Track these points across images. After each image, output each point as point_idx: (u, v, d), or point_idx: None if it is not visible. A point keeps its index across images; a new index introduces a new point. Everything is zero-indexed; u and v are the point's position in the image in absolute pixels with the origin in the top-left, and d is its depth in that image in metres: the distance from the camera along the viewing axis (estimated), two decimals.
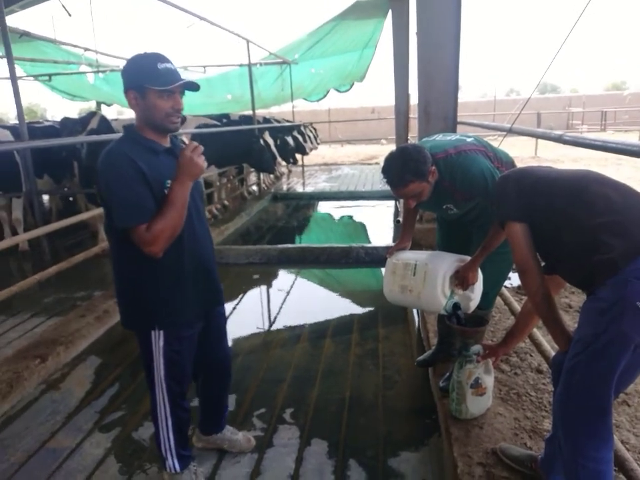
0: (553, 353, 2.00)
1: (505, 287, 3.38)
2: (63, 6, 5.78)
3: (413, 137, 9.13)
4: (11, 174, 5.26)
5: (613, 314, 1.34)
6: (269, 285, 4.82)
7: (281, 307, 4.14)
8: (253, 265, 5.27)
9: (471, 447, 1.98)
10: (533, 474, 1.80)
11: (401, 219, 2.65)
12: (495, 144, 2.39)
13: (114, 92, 11.24)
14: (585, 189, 1.48)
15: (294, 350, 3.30)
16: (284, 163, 11.31)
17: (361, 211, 8.11)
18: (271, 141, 7.85)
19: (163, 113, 1.65)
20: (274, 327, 3.76)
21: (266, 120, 10.21)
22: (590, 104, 22.74)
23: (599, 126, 20.83)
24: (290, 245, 5.63)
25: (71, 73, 11.07)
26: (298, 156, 10.34)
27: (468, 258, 2.22)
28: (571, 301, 3.55)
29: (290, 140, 9.41)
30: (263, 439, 2.35)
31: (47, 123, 7.88)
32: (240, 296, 4.41)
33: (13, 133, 5.77)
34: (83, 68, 11.10)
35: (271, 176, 10.43)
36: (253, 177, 9.90)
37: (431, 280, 2.14)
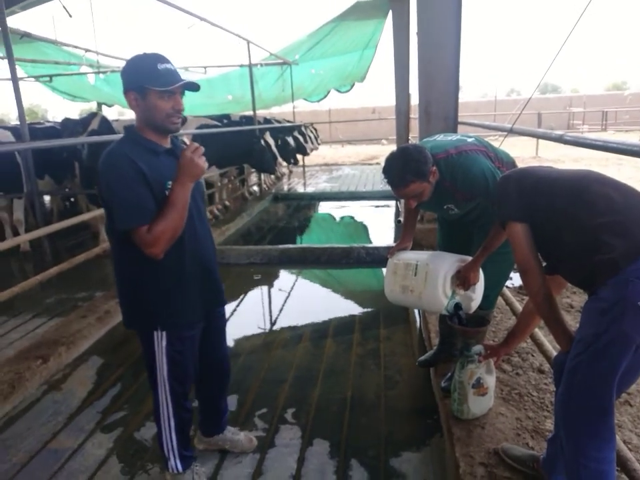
0: (554, 353, 2.00)
1: (507, 287, 3.38)
2: (64, 7, 5.79)
3: (413, 137, 9.12)
4: (12, 175, 5.27)
5: (614, 314, 1.34)
6: (270, 285, 4.82)
7: (282, 307, 4.14)
8: (254, 265, 5.28)
9: (473, 447, 1.98)
10: (535, 474, 1.80)
11: (401, 219, 2.65)
12: (495, 144, 2.39)
13: (115, 93, 11.25)
14: (586, 189, 1.48)
15: (295, 350, 3.30)
16: (285, 164, 11.32)
17: (362, 211, 8.11)
18: (271, 142, 7.86)
19: (164, 113, 1.65)
20: (275, 327, 3.76)
21: (266, 120, 10.22)
22: (591, 104, 22.73)
23: (599, 126, 20.82)
24: (291, 246, 5.63)
25: (72, 74, 11.09)
26: (299, 156, 10.35)
27: (469, 258, 2.22)
28: (572, 300, 3.55)
29: (291, 140, 9.42)
30: (265, 439, 2.35)
31: (47, 124, 7.89)
32: (241, 296, 4.42)
33: (14, 133, 5.77)
34: (84, 69, 11.11)
35: (272, 176, 10.43)
36: (253, 178, 9.91)
37: (432, 280, 2.14)
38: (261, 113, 11.15)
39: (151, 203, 1.61)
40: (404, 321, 3.70)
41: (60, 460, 2.27)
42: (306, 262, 5.23)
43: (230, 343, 3.36)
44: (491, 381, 2.17)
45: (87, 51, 9.61)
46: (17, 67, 5.02)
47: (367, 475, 2.12)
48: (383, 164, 2.11)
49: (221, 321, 2.09)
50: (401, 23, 8.33)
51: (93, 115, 6.13)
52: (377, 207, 8.33)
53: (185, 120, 6.52)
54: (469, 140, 2.19)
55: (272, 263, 5.29)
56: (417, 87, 4.40)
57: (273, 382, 2.88)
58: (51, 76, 10.77)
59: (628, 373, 1.38)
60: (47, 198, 7.46)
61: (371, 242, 6.21)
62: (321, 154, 15.91)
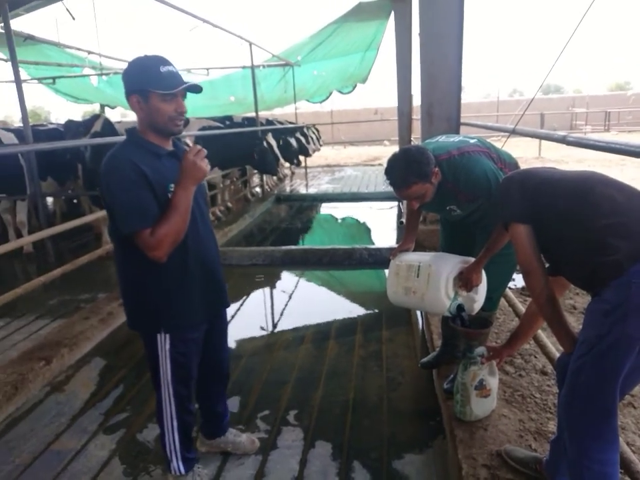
0: (557, 355, 1.99)
1: (509, 288, 3.38)
2: (67, 9, 5.81)
3: (416, 138, 9.11)
4: (16, 177, 5.28)
5: (617, 315, 1.33)
6: (273, 287, 4.82)
7: (284, 309, 4.14)
8: (257, 266, 5.28)
9: (476, 449, 1.98)
10: (538, 476, 1.80)
11: (404, 220, 2.65)
12: (498, 145, 2.38)
13: (117, 94, 11.29)
14: (590, 191, 1.48)
15: (298, 351, 3.30)
16: (287, 165, 11.33)
17: (364, 213, 8.11)
18: (273, 143, 7.87)
19: (167, 116, 1.65)
20: (277, 329, 3.76)
21: (269, 122, 10.23)
22: (593, 104, 22.67)
23: (602, 126, 20.75)
24: (293, 247, 5.63)
25: (75, 76, 11.13)
26: (301, 157, 10.35)
27: (472, 259, 2.21)
28: (575, 302, 3.54)
29: (293, 141, 9.43)
30: (267, 441, 2.35)
31: (50, 126, 7.92)
32: (243, 297, 4.42)
33: (18, 135, 5.80)
34: (87, 71, 11.15)
35: (274, 178, 10.44)
36: (256, 179, 9.92)
37: (435, 281, 2.14)
38: (263, 114, 11.16)
39: (153, 205, 1.61)
40: (406, 322, 3.70)
41: (63, 461, 2.28)
42: (308, 263, 5.23)
43: (232, 344, 3.36)
44: (493, 382, 2.16)
45: (89, 53, 9.66)
46: (20, 69, 5.04)
47: (369, 477, 2.12)
48: (385, 165, 2.11)
49: (224, 323, 2.09)
50: (403, 24, 8.34)
51: (95, 117, 6.16)
52: (380, 208, 8.33)
53: (187, 122, 6.53)
54: (472, 141, 2.19)
55: (274, 264, 5.30)
56: (419, 87, 4.40)
57: (275, 383, 2.88)
58: (54, 78, 10.82)
59: (631, 375, 1.37)
60: (49, 200, 7.48)
61: (373, 243, 6.20)
62: (323, 155, 15.91)
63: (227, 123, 8.26)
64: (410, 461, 2.21)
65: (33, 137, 4.89)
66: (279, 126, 9.98)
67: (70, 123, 6.60)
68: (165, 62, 1.64)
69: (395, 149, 2.92)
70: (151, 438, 2.41)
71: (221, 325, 2.06)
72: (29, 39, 7.40)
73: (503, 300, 2.74)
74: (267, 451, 2.28)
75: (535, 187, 1.60)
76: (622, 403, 2.24)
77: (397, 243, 4.68)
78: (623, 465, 1.59)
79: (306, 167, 11.91)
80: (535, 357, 2.71)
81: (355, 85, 12.88)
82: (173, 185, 1.65)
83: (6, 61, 8.25)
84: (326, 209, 8.75)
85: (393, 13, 8.72)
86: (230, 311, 2.13)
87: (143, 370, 3.01)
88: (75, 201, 7.72)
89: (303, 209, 8.74)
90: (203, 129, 6.80)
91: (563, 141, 1.98)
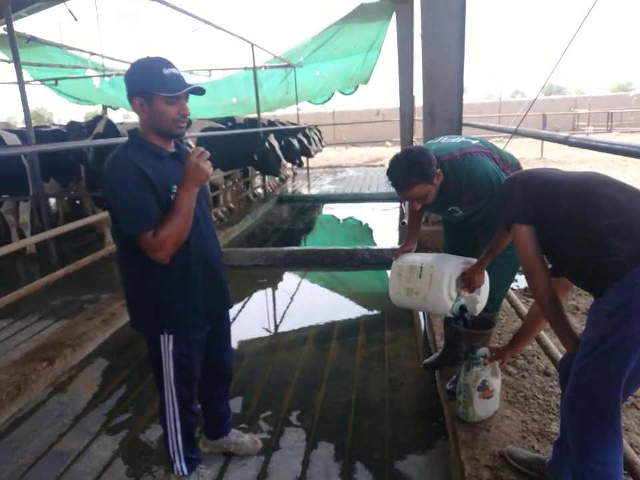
0: (560, 356, 1.99)
1: (512, 289, 3.37)
2: (70, 11, 5.83)
3: (417, 139, 9.11)
4: (19, 178, 5.30)
5: (621, 316, 1.33)
6: (275, 288, 4.83)
7: (286, 309, 4.14)
8: (259, 267, 5.28)
9: (478, 450, 1.98)
10: (540, 477, 1.79)
11: (406, 221, 2.65)
12: (500, 146, 2.38)
13: (120, 96, 11.31)
14: (593, 191, 1.48)
15: (300, 352, 3.30)
16: (289, 166, 11.34)
17: (366, 213, 8.11)
18: (275, 144, 7.88)
19: (170, 119, 1.65)
20: (280, 329, 3.76)
21: (271, 123, 10.24)
22: (596, 105, 22.63)
23: (604, 127, 20.71)
24: (295, 248, 5.63)
25: (77, 77, 11.17)
26: (303, 158, 10.36)
27: (474, 260, 2.21)
28: (578, 303, 3.53)
29: (295, 141, 9.44)
30: (270, 442, 2.35)
31: (53, 127, 7.95)
32: (245, 298, 4.42)
33: (21, 137, 5.82)
34: (89, 72, 11.19)
35: (276, 179, 10.45)
36: (258, 180, 9.93)
37: (437, 282, 2.14)
38: (265, 115, 11.18)
39: (155, 207, 1.61)
40: (409, 323, 3.70)
41: (65, 462, 2.28)
42: (310, 264, 5.23)
43: (234, 345, 3.36)
44: (496, 383, 2.16)
45: (92, 54, 9.68)
46: (23, 70, 5.06)
47: (371, 478, 2.12)
48: (387, 166, 2.11)
49: (226, 324, 2.10)
50: (405, 25, 8.34)
51: (98, 118, 6.17)
52: (382, 209, 8.33)
53: (189, 123, 6.55)
54: (474, 142, 2.19)
55: (276, 265, 5.30)
56: (421, 88, 4.40)
57: (277, 384, 2.89)
58: (56, 79, 10.85)
59: (635, 376, 1.37)
60: (52, 201, 7.50)
61: (375, 244, 6.20)
62: (324, 156, 15.91)
63: (229, 124, 8.27)
64: (412, 462, 2.21)
65: (36, 138, 4.91)
66: (281, 127, 9.99)
67: (72, 124, 6.62)
68: (168, 64, 1.64)
69: (397, 149, 2.92)
70: (154, 438, 2.41)
71: (224, 325, 2.07)
72: (32, 40, 7.43)
73: (505, 301, 2.74)
74: (269, 452, 2.28)
75: (537, 187, 1.60)
76: (625, 404, 2.23)
77: (399, 243, 4.68)
78: (627, 467, 1.59)
79: (308, 168, 11.92)
80: (538, 358, 2.71)
81: (357, 86, 12.89)
82: (175, 187, 1.66)
83: (9, 62, 8.26)
84: (328, 209, 8.75)
85: (394, 13, 8.72)
86: (232, 311, 2.13)
87: (145, 371, 3.01)
88: (77, 201, 7.74)
89: (305, 209, 8.74)
90: (205, 130, 6.81)
91: (565, 141, 1.98)
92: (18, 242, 4.15)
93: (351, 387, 2.81)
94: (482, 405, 2.12)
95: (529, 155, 13.55)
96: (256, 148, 6.86)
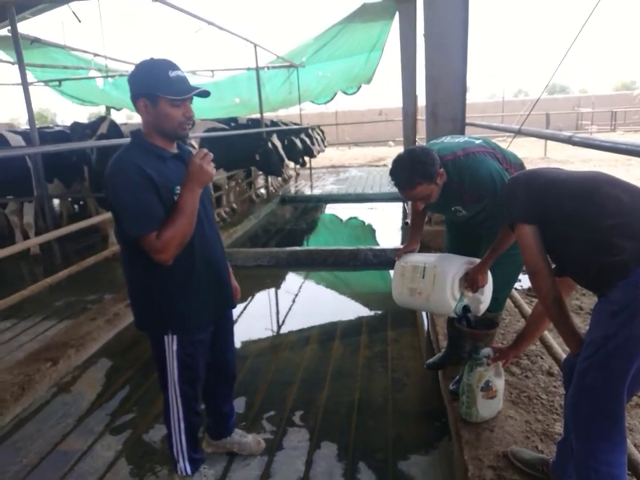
0: (564, 356, 1.98)
1: (515, 289, 3.36)
2: (74, 12, 5.84)
3: (420, 139, 9.10)
4: (23, 179, 5.32)
5: (625, 316, 1.33)
6: (278, 288, 4.83)
7: (289, 310, 4.14)
8: (262, 267, 5.29)
9: (482, 450, 1.97)
10: (544, 478, 1.79)
11: (409, 221, 2.65)
12: (503, 145, 2.38)
13: (123, 97, 11.37)
14: (596, 191, 1.47)
15: (303, 352, 3.30)
16: (292, 166, 11.34)
17: (369, 213, 8.11)
18: (278, 144, 7.88)
19: (176, 121, 1.65)
20: (283, 330, 3.77)
21: (273, 123, 10.25)
22: (599, 104, 22.56)
23: (608, 126, 20.65)
24: (298, 248, 5.64)
25: (81, 78, 11.20)
26: (306, 159, 10.37)
27: (477, 260, 2.21)
28: (582, 303, 3.52)
29: (297, 141, 9.44)
30: (273, 442, 2.36)
31: (57, 128, 7.98)
32: (249, 298, 4.42)
33: (25, 138, 5.84)
34: (93, 73, 11.23)
35: (279, 179, 10.46)
36: (261, 180, 9.93)
37: (440, 282, 2.14)
38: (268, 115, 11.19)
39: (159, 209, 1.61)
40: (412, 323, 3.69)
41: (69, 462, 2.29)
42: (313, 264, 5.23)
43: (238, 345, 3.36)
44: (499, 383, 2.16)
45: (95, 55, 9.71)
46: (26, 71, 5.08)
47: (375, 478, 2.12)
48: (389, 166, 2.11)
49: (230, 324, 2.10)
50: (408, 25, 8.33)
51: (101, 119, 6.18)
52: (384, 209, 8.32)
53: (192, 123, 6.54)
54: (477, 142, 2.18)
55: (279, 265, 5.30)
56: (423, 88, 4.40)
57: (280, 384, 2.89)
58: (60, 80, 10.90)
59: (639, 375, 1.36)
60: (56, 201, 7.53)
61: (378, 244, 6.20)
62: (327, 156, 15.92)
63: (232, 124, 8.28)
64: (416, 462, 2.20)
65: (40, 139, 4.92)
66: (284, 127, 10.00)
67: (76, 125, 6.63)
68: (174, 66, 1.64)
69: (400, 149, 2.92)
70: (157, 438, 2.42)
71: (228, 325, 2.07)
72: (36, 41, 7.45)
73: (509, 301, 2.74)
74: (272, 452, 2.29)
75: (540, 187, 1.60)
76: (629, 404, 2.22)
77: (402, 243, 4.68)
78: (631, 467, 1.58)
79: (310, 168, 11.92)
80: (542, 358, 2.70)
81: (360, 86, 12.88)
82: (178, 188, 1.65)
83: (13, 63, 8.31)
84: (331, 209, 8.75)
85: (397, 13, 8.71)
86: (235, 312, 2.13)
87: (149, 371, 3.02)
88: (81, 202, 7.77)
89: (308, 209, 8.74)
90: (208, 130, 6.82)
91: (568, 141, 1.97)
92: (22, 243, 4.16)
93: (354, 387, 2.81)
94: (485, 405, 2.12)
95: (533, 154, 13.52)
96: (259, 148, 6.87)
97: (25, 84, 4.76)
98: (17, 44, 4.65)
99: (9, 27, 4.93)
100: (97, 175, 5.46)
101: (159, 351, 1.82)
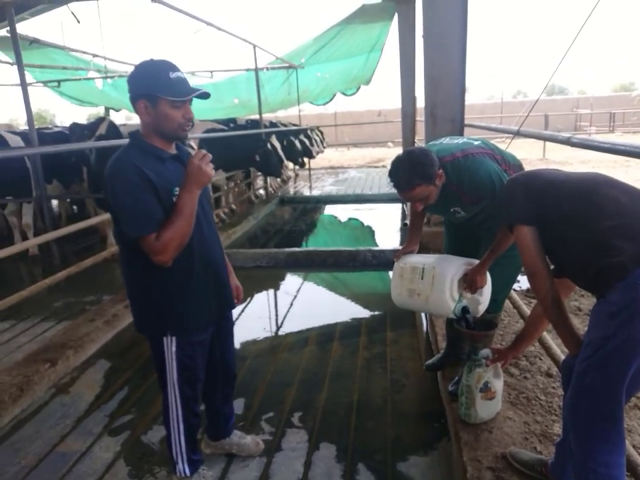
0: (562, 357, 1.98)
1: (514, 290, 3.36)
2: (73, 13, 5.84)
3: (419, 140, 9.11)
4: (22, 179, 5.32)
5: (623, 317, 1.33)
6: (277, 289, 4.83)
7: (288, 310, 4.14)
8: (261, 268, 5.28)
9: (481, 451, 1.97)
10: (543, 478, 1.79)
11: (408, 222, 2.65)
12: (502, 146, 2.38)
13: (122, 97, 11.35)
14: (595, 192, 1.48)
15: (302, 353, 3.30)
16: (291, 167, 11.34)
17: (368, 214, 8.11)
18: (277, 145, 7.88)
19: (176, 123, 1.65)
20: (281, 331, 3.76)
21: (272, 124, 10.25)
22: (598, 105, 22.58)
23: (607, 128, 20.67)
24: (297, 249, 5.64)
25: (80, 79, 11.19)
26: (305, 159, 10.37)
27: (476, 261, 2.21)
28: (580, 304, 3.53)
29: (297, 142, 9.45)
30: (272, 443, 2.35)
31: (56, 129, 7.96)
32: (247, 299, 4.42)
33: (24, 138, 5.83)
34: (92, 74, 11.21)
35: (278, 180, 10.46)
36: (260, 181, 9.93)
37: (439, 283, 2.14)
38: (267, 116, 11.20)
39: (158, 210, 1.61)
40: (411, 324, 3.69)
41: (68, 463, 2.28)
42: (312, 265, 5.23)
43: (237, 345, 3.35)
44: (498, 384, 2.16)
45: (94, 56, 9.70)
46: (25, 72, 5.07)
47: (374, 479, 2.11)
48: (388, 167, 2.11)
49: (230, 324, 2.10)
50: (407, 26, 8.35)
51: (100, 120, 6.18)
52: (383, 209, 8.33)
53: (192, 124, 6.54)
54: (476, 143, 2.19)
55: (278, 266, 5.30)
56: (423, 89, 4.40)
57: (279, 385, 2.88)
58: (59, 81, 10.88)
59: (637, 377, 1.36)
60: (54, 202, 7.52)
61: (377, 245, 6.20)
62: (326, 157, 15.92)
63: (231, 125, 8.28)
64: (415, 463, 2.20)
65: (39, 139, 4.91)
66: (283, 128, 10.00)
67: (75, 125, 6.63)
68: (174, 68, 1.64)
69: (399, 150, 2.92)
70: (156, 440, 2.42)
71: (227, 326, 2.07)
72: (35, 42, 7.44)
73: (507, 302, 2.74)
74: (271, 453, 2.28)
75: (539, 188, 1.60)
76: (628, 405, 2.23)
77: (401, 244, 4.68)
78: (630, 468, 1.58)
79: (310, 169, 11.92)
80: (540, 359, 2.70)
81: (359, 87, 12.88)
82: (177, 189, 1.65)
83: (12, 64, 8.30)
84: (330, 210, 8.75)
85: (396, 14, 8.72)
86: (234, 312, 2.13)
87: (147, 372, 3.02)
88: (79, 203, 7.75)
89: (307, 210, 8.74)
90: (207, 131, 6.82)
91: (567, 142, 1.97)
92: (21, 243, 4.16)
93: (353, 388, 2.81)
94: (484, 407, 2.12)
95: (531, 155, 13.53)
96: (258, 149, 6.87)
97: (23, 84, 4.75)
98: (15, 44, 4.65)
99: (8, 28, 4.93)
100: (95, 176, 5.45)
101: (158, 353, 1.82)
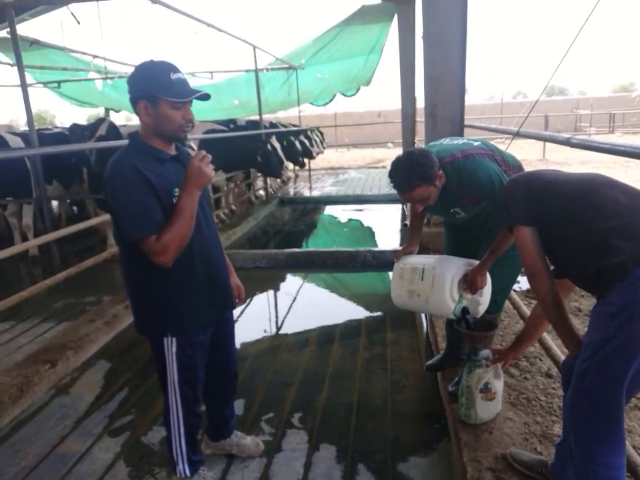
0: (562, 357, 1.98)
1: (514, 290, 3.37)
2: (73, 14, 5.84)
3: (419, 141, 9.10)
4: (22, 180, 5.32)
5: (623, 318, 1.33)
6: (277, 289, 4.83)
7: (288, 311, 4.14)
8: (261, 269, 5.28)
9: (481, 452, 1.97)
10: (543, 479, 1.79)
11: (407, 222, 2.65)
12: (502, 147, 2.38)
13: (122, 98, 11.35)
14: (595, 192, 1.48)
15: (302, 354, 3.30)
16: (291, 167, 11.34)
17: (368, 215, 8.11)
18: (277, 145, 7.88)
19: (176, 124, 1.65)
20: (281, 331, 3.76)
21: (272, 125, 10.25)
22: (598, 106, 22.58)
23: (607, 128, 20.67)
24: (297, 249, 5.64)
25: (80, 80, 11.19)
26: (305, 160, 10.37)
27: (476, 262, 2.21)
28: (580, 304, 3.53)
29: (297, 143, 9.45)
30: (272, 444, 2.35)
31: (56, 130, 7.96)
32: (247, 300, 4.42)
33: (24, 139, 5.83)
34: (92, 75, 11.22)
35: (278, 180, 10.45)
36: (260, 182, 9.94)
37: (439, 284, 2.14)
38: (267, 117, 11.20)
39: (158, 212, 1.61)
40: (411, 325, 3.69)
41: (68, 464, 2.28)
42: (312, 266, 5.23)
43: (237, 346, 3.35)
44: (498, 385, 2.16)
45: (94, 57, 9.70)
46: (25, 73, 5.08)
47: None
48: (388, 167, 2.11)
49: (230, 325, 2.09)
50: (407, 26, 8.34)
51: (100, 121, 6.18)
52: (383, 210, 8.33)
53: (192, 125, 6.54)
54: (475, 144, 2.19)
55: (278, 267, 5.30)
56: (422, 90, 4.40)
57: (279, 386, 2.88)
58: (59, 82, 10.88)
59: (638, 377, 1.36)
60: (54, 203, 7.52)
61: (377, 245, 6.20)
62: (326, 158, 15.93)
63: (231, 126, 8.28)
64: (415, 464, 2.20)
65: (39, 140, 4.91)
66: (283, 129, 10.00)
67: (75, 126, 6.63)
68: (174, 69, 1.64)
69: (399, 151, 2.92)
70: (156, 440, 2.41)
71: (228, 327, 2.07)
72: (35, 43, 7.45)
73: (507, 302, 2.74)
74: (271, 454, 2.28)
75: (539, 189, 1.60)
76: (628, 406, 2.22)
77: (401, 245, 4.68)
78: (630, 469, 1.58)
79: (310, 170, 11.92)
80: (540, 360, 2.70)
81: (359, 88, 12.88)
82: (177, 190, 1.65)
83: (12, 65, 8.31)
84: (330, 211, 8.75)
85: (396, 15, 8.72)
86: (234, 313, 2.13)
87: (147, 373, 3.02)
88: (75, 207, 7.75)
89: (307, 211, 8.75)
90: (207, 132, 6.82)
91: (567, 143, 1.97)
92: (21, 244, 4.15)
93: (353, 388, 2.81)
94: (484, 407, 2.12)
95: (531, 156, 13.53)
96: (258, 150, 6.87)
97: (24, 85, 4.75)
98: (16, 45, 4.65)
99: (8, 29, 4.93)
100: (95, 177, 5.45)
101: (158, 353, 1.82)
